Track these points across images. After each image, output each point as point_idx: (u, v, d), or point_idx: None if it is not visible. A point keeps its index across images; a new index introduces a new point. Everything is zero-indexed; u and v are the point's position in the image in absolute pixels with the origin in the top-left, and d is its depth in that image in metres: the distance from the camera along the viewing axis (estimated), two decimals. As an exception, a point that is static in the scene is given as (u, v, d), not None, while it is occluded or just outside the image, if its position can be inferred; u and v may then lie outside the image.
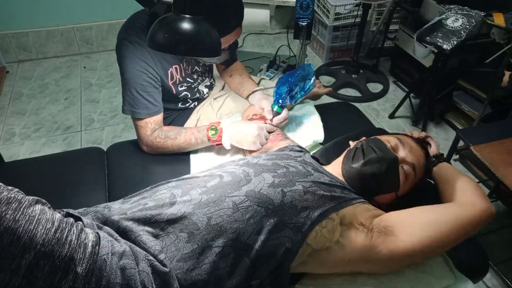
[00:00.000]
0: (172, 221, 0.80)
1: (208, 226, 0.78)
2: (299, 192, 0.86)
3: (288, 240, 0.81)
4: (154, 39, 0.86)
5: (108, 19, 2.88)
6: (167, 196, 0.87)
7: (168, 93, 1.29)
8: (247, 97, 1.43)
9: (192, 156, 1.29)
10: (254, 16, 2.20)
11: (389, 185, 0.98)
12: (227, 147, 1.21)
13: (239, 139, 1.20)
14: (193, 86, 1.37)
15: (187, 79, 1.33)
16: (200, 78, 1.39)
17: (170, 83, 1.27)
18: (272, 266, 0.79)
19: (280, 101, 1.24)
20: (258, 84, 1.50)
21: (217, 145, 1.22)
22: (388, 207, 0.98)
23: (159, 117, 1.25)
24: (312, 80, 1.27)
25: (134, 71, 1.17)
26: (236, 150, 1.29)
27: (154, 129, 1.24)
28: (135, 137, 1.31)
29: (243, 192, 0.84)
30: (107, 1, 2.80)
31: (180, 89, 1.32)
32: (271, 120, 1.26)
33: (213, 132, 1.20)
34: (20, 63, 2.84)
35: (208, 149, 1.29)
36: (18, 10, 2.65)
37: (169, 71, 1.24)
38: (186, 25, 0.82)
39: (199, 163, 1.27)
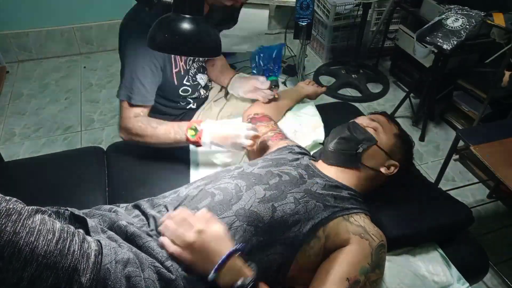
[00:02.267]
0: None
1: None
2: (290, 206, 0.87)
3: (280, 256, 0.83)
4: (154, 39, 0.86)
5: (108, 19, 2.87)
6: (163, 215, 0.87)
7: (169, 87, 1.27)
8: (227, 86, 1.46)
9: (192, 154, 1.29)
10: (253, 18, 2.19)
11: (361, 139, 1.01)
12: (209, 148, 1.17)
13: (219, 141, 1.15)
14: (192, 79, 1.35)
15: (190, 70, 1.32)
16: (201, 68, 1.39)
17: (174, 71, 1.25)
18: (268, 281, 0.81)
19: (270, 73, 1.31)
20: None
21: (196, 146, 1.18)
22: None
23: (147, 109, 1.23)
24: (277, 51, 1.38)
25: (137, 54, 1.14)
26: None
27: (138, 115, 1.20)
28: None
29: (233, 211, 0.85)
30: (107, 1, 2.80)
31: (182, 81, 1.30)
32: (271, 89, 1.28)
33: (193, 132, 1.14)
34: (20, 63, 2.84)
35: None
36: (18, 10, 2.64)
37: (172, 56, 1.23)
38: (186, 25, 0.82)
39: (199, 162, 1.27)
